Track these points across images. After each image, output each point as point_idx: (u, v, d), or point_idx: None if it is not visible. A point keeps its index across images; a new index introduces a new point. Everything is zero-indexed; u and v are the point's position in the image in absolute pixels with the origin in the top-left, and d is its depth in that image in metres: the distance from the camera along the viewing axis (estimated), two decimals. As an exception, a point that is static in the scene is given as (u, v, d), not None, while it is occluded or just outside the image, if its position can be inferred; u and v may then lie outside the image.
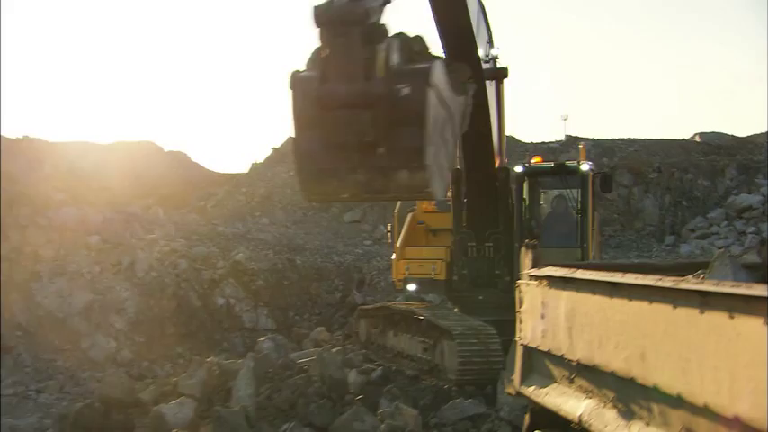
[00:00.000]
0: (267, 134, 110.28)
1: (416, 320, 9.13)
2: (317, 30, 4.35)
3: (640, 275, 4.20)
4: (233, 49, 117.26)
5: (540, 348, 5.36)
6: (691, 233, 26.44)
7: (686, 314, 3.53)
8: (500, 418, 6.80)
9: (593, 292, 4.54)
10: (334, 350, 10.25)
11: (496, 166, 9.86)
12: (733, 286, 3.39)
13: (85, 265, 14.96)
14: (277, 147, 37.68)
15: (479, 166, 9.44)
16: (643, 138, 34.67)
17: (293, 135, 4.77)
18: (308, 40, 4.60)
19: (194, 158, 43.65)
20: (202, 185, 38.35)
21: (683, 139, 36.15)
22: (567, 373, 5.04)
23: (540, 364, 5.50)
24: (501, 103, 9.61)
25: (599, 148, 31.38)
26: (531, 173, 10.83)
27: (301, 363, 9.09)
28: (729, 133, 37.08)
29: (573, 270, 5.07)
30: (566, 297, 4.93)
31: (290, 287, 16.36)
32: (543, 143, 34.45)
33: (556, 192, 11.23)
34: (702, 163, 30.53)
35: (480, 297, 9.98)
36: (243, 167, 42.27)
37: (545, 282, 5.26)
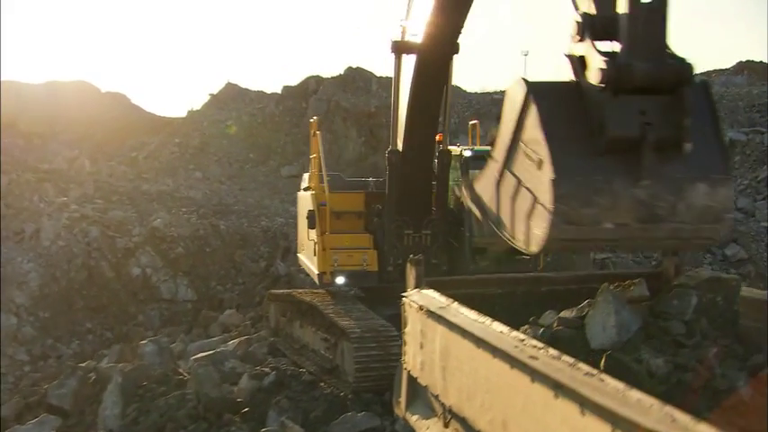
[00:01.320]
0: (206, 77, 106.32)
1: (321, 314, 8.57)
2: None
3: (505, 331, 3.72)
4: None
5: (419, 381, 4.93)
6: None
7: (542, 394, 3.08)
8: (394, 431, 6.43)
9: (464, 336, 4.06)
10: (236, 341, 9.72)
11: (440, 148, 9.23)
12: (586, 375, 2.92)
13: (-16, 234, 13.92)
14: (214, 93, 36.07)
15: (423, 146, 8.80)
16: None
17: (545, 151, 3.68)
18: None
19: (135, 100, 41.57)
20: (141, 130, 36.56)
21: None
22: (443, 412, 4.63)
23: (423, 393, 5.08)
24: (449, 79, 8.84)
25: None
26: (481, 158, 9.99)
27: (187, 367, 8.46)
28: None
29: (448, 302, 4.58)
30: (440, 333, 4.45)
31: (212, 255, 15.62)
32: (487, 93, 33.47)
33: None
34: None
35: None
36: (183, 111, 40.55)
37: (423, 310, 4.76)
